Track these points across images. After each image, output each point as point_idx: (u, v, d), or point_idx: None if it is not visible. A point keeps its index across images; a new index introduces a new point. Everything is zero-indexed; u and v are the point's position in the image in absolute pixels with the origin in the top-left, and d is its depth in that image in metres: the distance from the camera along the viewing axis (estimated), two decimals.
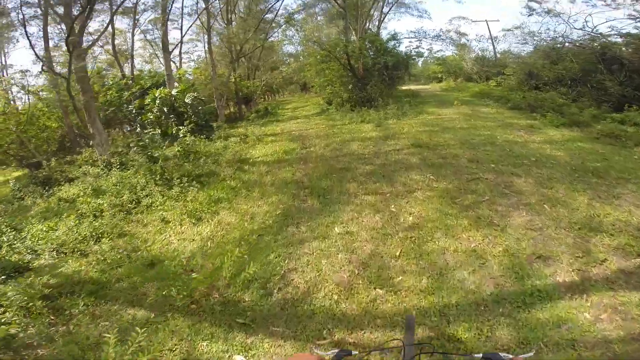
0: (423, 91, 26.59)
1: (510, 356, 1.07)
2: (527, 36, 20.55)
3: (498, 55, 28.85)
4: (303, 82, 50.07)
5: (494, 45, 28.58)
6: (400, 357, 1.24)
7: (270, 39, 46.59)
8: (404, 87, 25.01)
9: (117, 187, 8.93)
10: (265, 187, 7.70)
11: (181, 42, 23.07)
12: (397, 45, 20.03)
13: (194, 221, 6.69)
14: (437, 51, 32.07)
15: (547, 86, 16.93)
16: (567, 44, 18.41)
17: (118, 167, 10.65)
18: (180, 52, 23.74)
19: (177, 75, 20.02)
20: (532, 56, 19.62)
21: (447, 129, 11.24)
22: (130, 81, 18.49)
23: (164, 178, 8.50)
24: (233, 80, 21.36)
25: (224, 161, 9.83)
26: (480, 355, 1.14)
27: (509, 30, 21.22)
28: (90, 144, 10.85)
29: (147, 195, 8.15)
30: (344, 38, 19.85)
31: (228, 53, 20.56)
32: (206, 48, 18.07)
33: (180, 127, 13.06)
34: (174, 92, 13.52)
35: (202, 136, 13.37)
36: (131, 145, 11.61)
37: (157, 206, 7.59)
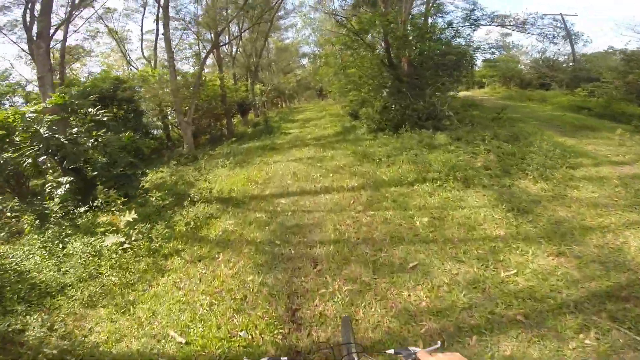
0: (476, 99, 17.71)
1: (418, 349, 0.96)
2: None
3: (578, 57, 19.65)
4: (319, 87, 41.78)
5: (572, 45, 19.28)
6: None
7: (286, 40, 38.55)
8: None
9: None
10: None
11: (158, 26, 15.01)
12: (472, 32, 11.28)
13: None
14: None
15: None
16: None
17: None
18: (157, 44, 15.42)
19: (138, 76, 12.03)
20: None
21: None
22: None
23: None
24: (211, 81, 13.18)
25: None
26: (392, 350, 1.05)
27: None
28: None
29: None
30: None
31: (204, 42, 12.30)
32: (161, 31, 9.88)
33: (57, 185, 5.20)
34: (29, 113, 5.39)
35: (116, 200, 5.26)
36: None
37: None
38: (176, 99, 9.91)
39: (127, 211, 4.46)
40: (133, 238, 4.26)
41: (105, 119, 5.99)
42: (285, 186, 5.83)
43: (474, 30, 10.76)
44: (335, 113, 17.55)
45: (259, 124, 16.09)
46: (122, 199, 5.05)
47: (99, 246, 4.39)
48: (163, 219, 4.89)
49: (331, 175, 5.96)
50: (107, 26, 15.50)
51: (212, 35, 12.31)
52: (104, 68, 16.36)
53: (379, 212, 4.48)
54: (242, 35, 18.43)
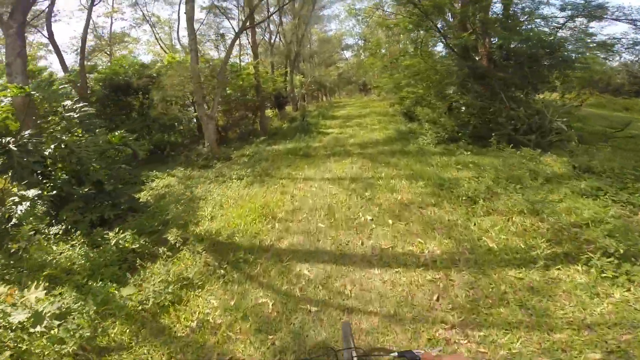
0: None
1: (422, 352, 0.94)
2: None
3: None
4: (362, 81, 38.71)
5: None
6: None
7: (329, 32, 35.97)
8: None
9: None
10: None
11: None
12: (587, 23, 7.85)
13: None
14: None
15: None
16: None
17: None
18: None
19: (166, 62, 10.46)
20: None
21: None
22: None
23: None
24: (245, 69, 11.26)
25: None
26: (396, 353, 1.00)
27: None
28: None
29: None
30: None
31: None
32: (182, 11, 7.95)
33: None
34: None
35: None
36: None
37: None
38: (197, 87, 8.08)
39: (38, 281, 2.54)
40: (38, 328, 2.35)
41: (77, 115, 4.18)
42: (314, 234, 3.60)
43: (589, 21, 7.39)
44: (382, 111, 14.94)
45: (296, 119, 14.03)
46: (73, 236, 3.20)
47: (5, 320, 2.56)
48: (102, 291, 2.88)
49: (390, 221, 3.60)
50: (142, 12, 14.35)
51: (245, 12, 10.32)
52: (134, 56, 15.25)
53: (494, 333, 2.11)
54: (283, 21, 16.35)
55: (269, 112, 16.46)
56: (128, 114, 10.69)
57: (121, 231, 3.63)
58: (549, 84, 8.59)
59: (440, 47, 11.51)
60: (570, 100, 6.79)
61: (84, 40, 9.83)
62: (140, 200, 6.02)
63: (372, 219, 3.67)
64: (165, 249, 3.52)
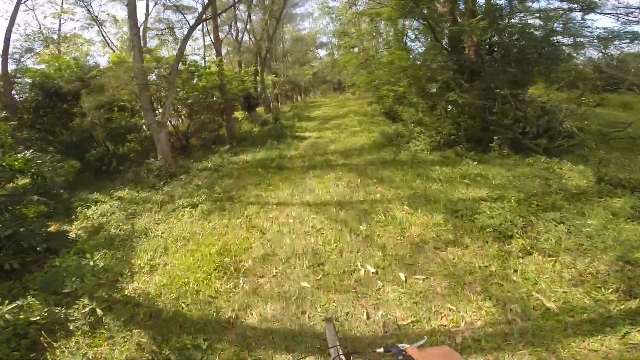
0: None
1: (407, 345, 0.92)
2: None
3: None
4: (337, 80, 37.93)
5: None
6: None
7: (303, 30, 34.86)
8: None
9: None
10: None
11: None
12: (583, 17, 7.24)
13: None
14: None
15: None
16: None
17: None
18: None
19: (110, 63, 8.82)
20: None
21: None
22: None
23: None
24: (205, 68, 9.90)
25: None
26: (382, 349, 0.99)
27: None
28: None
29: None
30: None
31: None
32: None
33: None
34: None
35: None
36: None
37: None
38: (141, 90, 6.65)
39: None
40: None
41: None
42: (296, 299, 2.51)
43: (585, 14, 6.77)
44: (361, 111, 14.05)
45: (268, 122, 12.78)
46: None
47: None
48: None
49: (402, 275, 2.57)
50: (89, 11, 12.55)
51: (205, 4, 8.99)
52: (89, 57, 13.34)
53: None
54: (252, 18, 15.01)
55: (238, 115, 15.06)
56: (66, 123, 9.02)
57: (7, 301, 2.34)
58: (535, 81, 8.06)
59: (418, 44, 10.83)
60: (587, 101, 6.14)
61: (7, 40, 8.08)
62: (71, 234, 4.68)
63: (375, 272, 2.63)
64: (80, 324, 2.29)
